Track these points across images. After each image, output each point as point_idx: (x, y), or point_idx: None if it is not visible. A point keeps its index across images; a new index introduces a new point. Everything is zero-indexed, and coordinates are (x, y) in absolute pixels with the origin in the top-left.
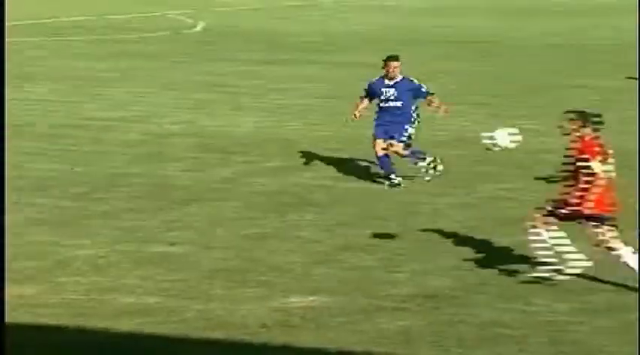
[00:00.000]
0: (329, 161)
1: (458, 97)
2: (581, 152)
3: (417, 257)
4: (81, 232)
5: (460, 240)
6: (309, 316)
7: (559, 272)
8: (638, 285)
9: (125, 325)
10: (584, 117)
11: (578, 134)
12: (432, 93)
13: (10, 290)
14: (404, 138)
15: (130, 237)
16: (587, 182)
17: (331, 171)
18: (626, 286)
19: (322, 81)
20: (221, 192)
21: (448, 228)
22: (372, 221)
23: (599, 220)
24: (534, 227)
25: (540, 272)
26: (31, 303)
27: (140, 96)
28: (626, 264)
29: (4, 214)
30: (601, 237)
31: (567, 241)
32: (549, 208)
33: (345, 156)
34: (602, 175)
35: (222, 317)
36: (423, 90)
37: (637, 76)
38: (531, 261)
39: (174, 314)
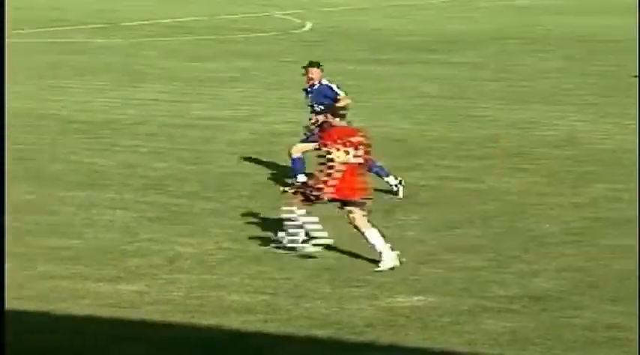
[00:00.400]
0: (437, 161)
1: (569, 97)
2: (325, 141)
3: (524, 257)
4: (190, 230)
5: (568, 240)
6: (414, 316)
7: (305, 244)
8: (638, 286)
9: (232, 322)
10: (331, 109)
11: (328, 124)
12: (340, 95)
13: (120, 287)
14: None
15: (238, 236)
16: (328, 169)
17: (439, 171)
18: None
19: (431, 80)
20: None
21: (556, 228)
22: (479, 221)
23: (348, 204)
24: (290, 206)
25: (289, 243)
26: (140, 300)
27: (248, 95)
28: (371, 243)
29: (4, 214)
30: (351, 217)
31: (315, 220)
32: (303, 191)
33: (453, 156)
34: (340, 163)
35: (329, 316)
36: (334, 90)
37: (637, 75)
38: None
39: (281, 312)
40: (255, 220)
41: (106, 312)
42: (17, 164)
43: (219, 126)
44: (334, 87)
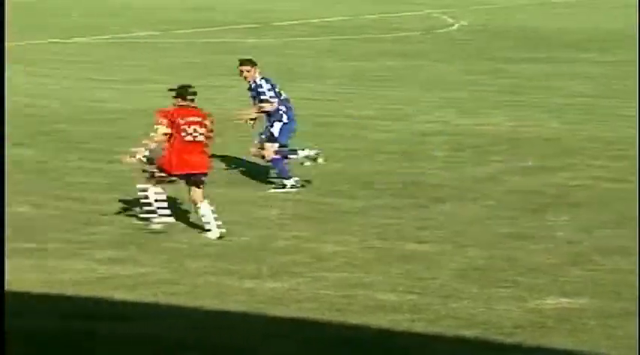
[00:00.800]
0: (588, 161)
1: None
2: (160, 117)
3: None
4: (337, 228)
5: None
6: (563, 318)
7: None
8: (638, 286)
9: (379, 321)
10: (181, 91)
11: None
12: (265, 100)
13: (268, 284)
14: (267, 138)
15: (385, 234)
16: (169, 146)
17: (590, 171)
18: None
19: (583, 79)
20: (475, 191)
21: None
22: (631, 222)
23: (190, 180)
24: (144, 186)
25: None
26: (289, 297)
27: (397, 94)
28: (201, 215)
29: (3, 211)
30: (192, 194)
31: (163, 197)
32: (151, 171)
33: (605, 156)
34: (161, 137)
35: (476, 317)
36: (261, 91)
37: (637, 74)
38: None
39: (428, 311)
40: (401, 219)
41: (255, 309)
42: None
43: (368, 125)
44: (265, 88)
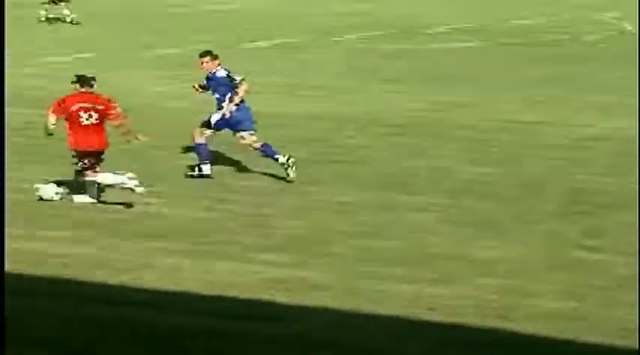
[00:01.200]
0: None
1: None
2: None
3: None
4: (499, 234)
5: None
6: None
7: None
8: (638, 287)
9: (542, 329)
10: (82, 80)
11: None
12: (240, 81)
13: (426, 290)
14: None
15: (548, 241)
16: (69, 131)
17: None
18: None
19: None
20: None
21: None
22: None
23: (87, 157)
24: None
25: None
26: (448, 303)
27: (559, 99)
28: (106, 184)
29: (4, 209)
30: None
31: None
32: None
33: None
34: (52, 122)
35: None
36: (231, 77)
37: (637, 73)
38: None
39: (590, 319)
40: (564, 226)
41: (414, 315)
42: (327, 167)
43: (533, 130)
44: (230, 75)
